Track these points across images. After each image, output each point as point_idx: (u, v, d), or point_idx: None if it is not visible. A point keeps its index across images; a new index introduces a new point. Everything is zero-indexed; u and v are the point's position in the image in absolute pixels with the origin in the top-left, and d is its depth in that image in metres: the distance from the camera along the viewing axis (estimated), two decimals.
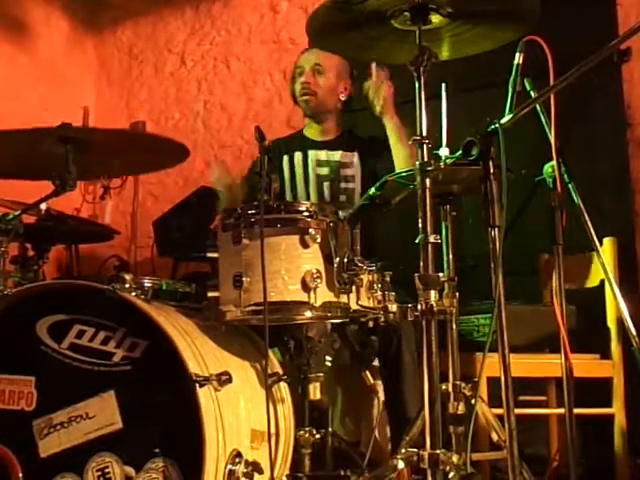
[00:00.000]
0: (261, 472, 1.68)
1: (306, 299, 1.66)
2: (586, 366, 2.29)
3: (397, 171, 2.40)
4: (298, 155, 2.68)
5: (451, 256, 1.88)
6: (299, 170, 2.66)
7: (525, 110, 1.57)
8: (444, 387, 1.81)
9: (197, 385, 1.57)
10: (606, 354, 2.41)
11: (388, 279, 1.80)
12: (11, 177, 2.25)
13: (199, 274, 3.03)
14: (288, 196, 2.65)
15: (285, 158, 2.68)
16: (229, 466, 1.62)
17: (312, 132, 2.74)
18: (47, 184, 1.91)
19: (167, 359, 1.60)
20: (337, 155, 2.66)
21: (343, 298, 1.70)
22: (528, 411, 2.40)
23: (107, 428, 1.64)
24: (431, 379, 1.55)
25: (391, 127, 2.51)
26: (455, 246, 1.90)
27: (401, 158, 2.48)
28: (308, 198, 2.63)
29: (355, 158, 2.65)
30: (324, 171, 2.66)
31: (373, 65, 2.48)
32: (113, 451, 1.63)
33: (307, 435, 1.92)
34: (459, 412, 1.82)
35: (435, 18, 1.70)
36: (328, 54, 2.68)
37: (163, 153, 2.15)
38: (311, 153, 2.67)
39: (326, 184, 2.64)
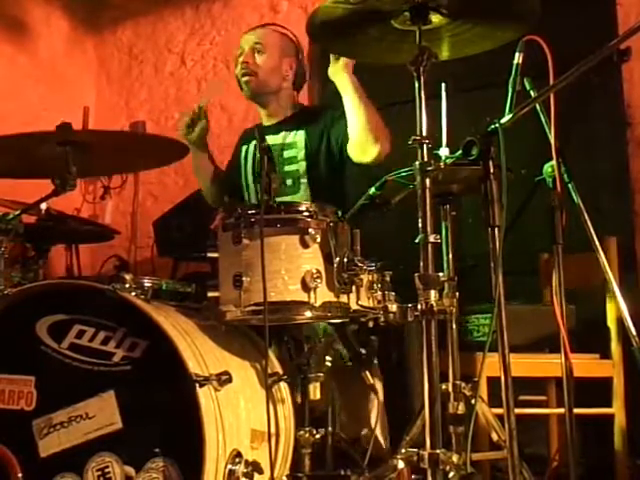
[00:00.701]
0: (261, 472, 1.68)
1: (306, 299, 1.66)
2: (586, 366, 2.29)
3: (351, 137, 2.32)
4: (252, 145, 2.61)
5: (451, 256, 1.88)
6: (249, 159, 2.60)
7: (525, 110, 1.57)
8: (444, 387, 1.81)
9: (197, 385, 1.57)
10: (606, 354, 2.41)
11: (388, 279, 1.80)
12: (11, 177, 2.25)
13: (199, 274, 3.03)
14: (243, 188, 2.61)
15: (243, 149, 2.64)
16: (229, 466, 1.62)
17: (263, 118, 2.65)
18: (47, 184, 1.91)
19: (167, 359, 1.60)
20: (279, 138, 2.55)
21: (343, 298, 1.70)
22: (528, 411, 2.40)
23: (107, 428, 1.64)
24: (431, 379, 1.55)
25: (348, 81, 2.30)
26: (455, 246, 1.90)
27: (360, 120, 2.30)
28: (255, 187, 2.56)
29: (299, 137, 2.52)
30: None
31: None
32: (113, 451, 1.63)
33: (307, 435, 1.92)
34: (459, 412, 1.82)
35: (435, 18, 1.70)
36: (269, 32, 2.60)
37: (163, 152, 2.15)
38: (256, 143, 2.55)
39: None
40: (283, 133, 2.55)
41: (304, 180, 2.50)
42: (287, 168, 2.51)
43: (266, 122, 2.63)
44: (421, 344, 1.57)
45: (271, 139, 2.53)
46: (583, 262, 2.34)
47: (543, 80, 1.67)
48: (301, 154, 2.51)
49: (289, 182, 2.51)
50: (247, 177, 2.61)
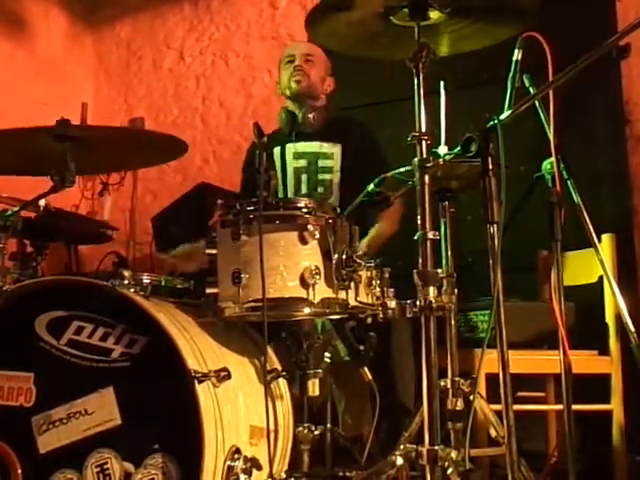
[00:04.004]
0: (260, 468, 1.68)
1: (305, 295, 1.66)
2: (584, 362, 2.29)
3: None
4: (276, 150, 2.69)
5: (450, 253, 1.88)
6: (277, 164, 2.68)
7: (524, 106, 1.57)
8: (443, 383, 1.81)
9: (196, 381, 1.57)
10: (604, 350, 2.41)
11: (387, 275, 1.80)
12: (10, 173, 2.25)
13: (198, 270, 3.02)
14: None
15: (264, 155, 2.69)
16: (228, 462, 1.62)
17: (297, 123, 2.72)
18: (46, 180, 1.91)
19: (166, 355, 1.60)
20: (315, 146, 2.67)
21: (342, 294, 1.70)
22: (526, 407, 2.40)
23: (106, 424, 1.64)
24: (430, 375, 1.55)
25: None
26: (454, 243, 1.90)
27: None
28: (285, 192, 2.65)
29: (336, 149, 2.66)
30: (301, 163, 2.67)
31: None
32: (112, 447, 1.62)
33: (306, 431, 1.92)
34: (458, 408, 1.82)
35: (434, 14, 1.70)
36: (316, 48, 2.75)
37: (162, 149, 2.15)
38: (289, 146, 2.68)
39: (304, 176, 2.66)
40: (319, 142, 2.68)
41: (336, 189, 2.63)
42: (320, 176, 2.65)
43: (296, 130, 2.70)
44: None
45: (305, 146, 2.68)
46: (582, 259, 2.35)
47: (542, 77, 1.67)
48: (337, 165, 2.65)
49: (320, 189, 2.64)
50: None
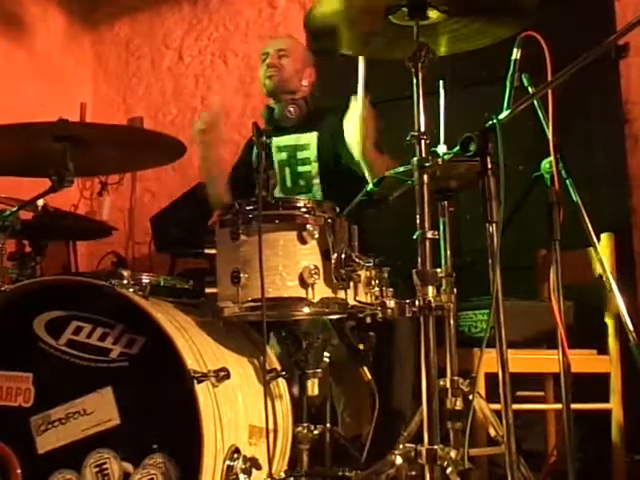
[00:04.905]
0: (259, 468, 1.68)
1: (304, 295, 1.66)
2: (583, 361, 2.29)
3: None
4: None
5: (449, 252, 1.88)
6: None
7: (523, 106, 1.57)
8: (442, 383, 1.81)
9: (195, 381, 1.57)
10: (603, 349, 2.41)
11: (386, 275, 1.80)
12: (8, 174, 2.25)
13: (197, 270, 3.02)
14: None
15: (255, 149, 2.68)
16: (227, 462, 1.62)
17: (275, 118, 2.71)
18: (44, 180, 1.91)
19: (165, 355, 1.60)
20: (292, 139, 2.66)
21: (341, 294, 1.70)
22: (526, 406, 2.40)
23: (105, 424, 1.64)
24: (429, 375, 1.55)
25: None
26: (453, 242, 1.90)
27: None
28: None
29: (312, 138, 2.63)
30: (283, 156, 2.66)
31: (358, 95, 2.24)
32: (111, 447, 1.63)
33: (305, 431, 1.92)
34: (457, 408, 1.82)
35: (433, 13, 1.70)
36: (293, 41, 2.76)
37: (160, 149, 2.15)
38: (274, 140, 2.66)
39: (287, 170, 2.64)
40: (296, 134, 2.65)
41: (317, 181, 2.60)
42: (300, 169, 2.62)
43: (279, 123, 2.69)
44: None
45: (285, 140, 2.65)
46: (581, 258, 2.35)
47: (541, 76, 1.67)
48: (313, 155, 2.61)
49: (302, 182, 2.61)
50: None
